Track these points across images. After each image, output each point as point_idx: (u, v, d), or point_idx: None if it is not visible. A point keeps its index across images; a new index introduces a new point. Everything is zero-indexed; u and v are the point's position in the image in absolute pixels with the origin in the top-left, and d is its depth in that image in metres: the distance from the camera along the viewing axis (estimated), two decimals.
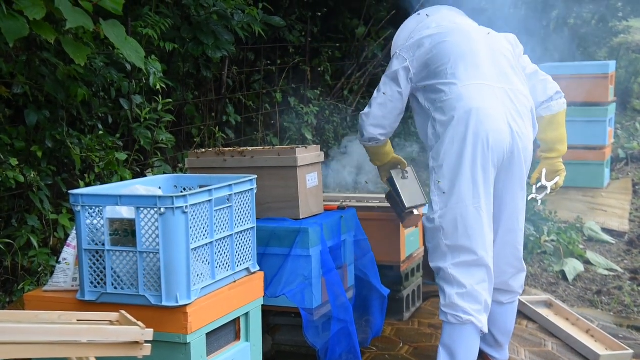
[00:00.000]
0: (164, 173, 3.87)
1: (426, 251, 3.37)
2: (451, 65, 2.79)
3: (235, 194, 2.43)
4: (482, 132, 2.67)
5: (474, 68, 2.79)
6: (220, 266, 2.38)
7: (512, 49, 2.96)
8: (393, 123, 2.99)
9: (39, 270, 3.24)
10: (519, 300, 3.91)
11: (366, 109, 3.00)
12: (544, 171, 3.07)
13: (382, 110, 2.94)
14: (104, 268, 2.26)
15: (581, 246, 5.23)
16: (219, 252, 2.37)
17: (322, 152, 3.18)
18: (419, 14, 3.13)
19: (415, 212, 3.43)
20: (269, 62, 6.06)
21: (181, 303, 2.18)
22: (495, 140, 2.69)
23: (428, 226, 2.81)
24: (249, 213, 2.52)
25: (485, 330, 2.77)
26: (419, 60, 2.88)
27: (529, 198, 3.12)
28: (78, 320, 1.99)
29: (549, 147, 3.04)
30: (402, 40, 3.05)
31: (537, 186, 3.10)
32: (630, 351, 3.33)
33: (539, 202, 3.19)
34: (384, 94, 2.93)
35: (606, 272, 4.89)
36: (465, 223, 2.71)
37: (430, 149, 2.83)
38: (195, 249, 2.24)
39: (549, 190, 3.08)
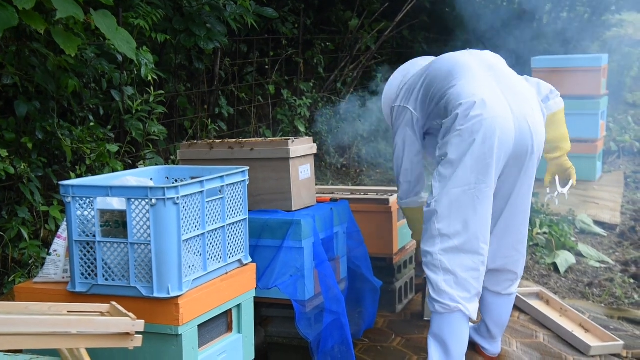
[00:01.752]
0: (156, 165, 3.86)
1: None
2: (446, 77, 2.81)
3: (227, 185, 2.42)
4: (487, 121, 2.66)
5: (468, 70, 2.80)
6: (212, 258, 2.37)
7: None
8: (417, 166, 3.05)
9: (30, 262, 3.23)
10: None
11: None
12: (557, 179, 3.13)
13: (401, 160, 3.02)
14: (95, 259, 2.25)
15: (573, 238, 5.25)
16: (211, 243, 2.36)
17: (315, 144, 3.17)
18: (402, 68, 3.21)
19: None
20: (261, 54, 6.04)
21: (173, 294, 2.17)
22: (501, 128, 2.67)
23: (425, 209, 2.83)
24: (241, 204, 2.51)
25: (474, 318, 2.77)
26: (418, 100, 2.92)
27: (546, 199, 3.16)
28: (68, 312, 1.98)
29: (553, 146, 3.08)
30: (393, 94, 3.08)
31: (554, 194, 3.18)
32: (621, 342, 3.34)
33: (556, 201, 3.26)
34: (397, 146, 3.01)
35: (598, 264, 4.91)
36: (459, 207, 2.70)
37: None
38: (186, 240, 2.23)
39: (566, 196, 3.19)
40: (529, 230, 5.07)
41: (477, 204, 2.69)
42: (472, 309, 2.74)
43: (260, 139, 3.23)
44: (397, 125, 3.02)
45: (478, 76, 2.77)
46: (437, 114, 2.84)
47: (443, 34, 9.13)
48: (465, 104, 2.68)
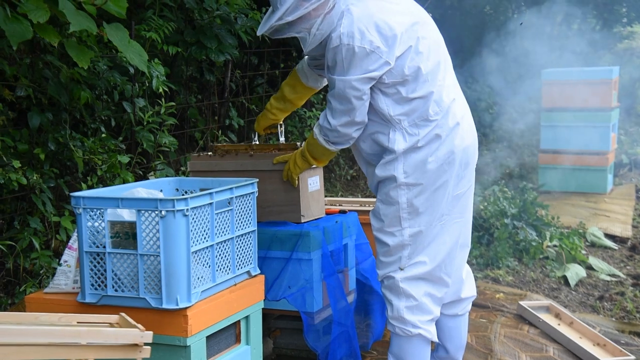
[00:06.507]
0: (167, 176, 3.88)
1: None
2: (428, 71, 2.55)
3: (236, 197, 2.44)
4: (461, 148, 2.60)
5: (443, 77, 2.63)
6: (220, 269, 2.38)
7: None
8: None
9: (41, 272, 3.26)
10: (521, 305, 3.92)
11: (342, 121, 2.57)
12: None
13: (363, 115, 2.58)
14: (105, 270, 2.27)
15: (583, 252, 5.22)
16: (220, 255, 2.37)
17: None
18: None
19: None
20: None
21: (181, 306, 2.18)
22: (470, 155, 2.67)
23: (388, 241, 2.65)
24: (250, 216, 2.53)
25: (435, 339, 2.69)
26: (397, 56, 2.49)
27: None
28: (78, 322, 2.00)
29: None
30: (362, 25, 2.44)
31: None
32: (632, 357, 3.32)
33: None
34: (359, 98, 2.52)
35: (608, 278, 4.88)
36: (433, 240, 2.62)
37: (392, 159, 2.59)
38: (196, 251, 2.24)
39: None
40: (539, 243, 5.09)
41: (445, 233, 2.63)
42: (433, 331, 2.68)
43: (270, 148, 3.24)
44: (364, 73, 2.47)
45: (454, 87, 2.72)
46: (401, 94, 2.53)
47: (453, 41, 9.14)
48: (445, 127, 2.58)
